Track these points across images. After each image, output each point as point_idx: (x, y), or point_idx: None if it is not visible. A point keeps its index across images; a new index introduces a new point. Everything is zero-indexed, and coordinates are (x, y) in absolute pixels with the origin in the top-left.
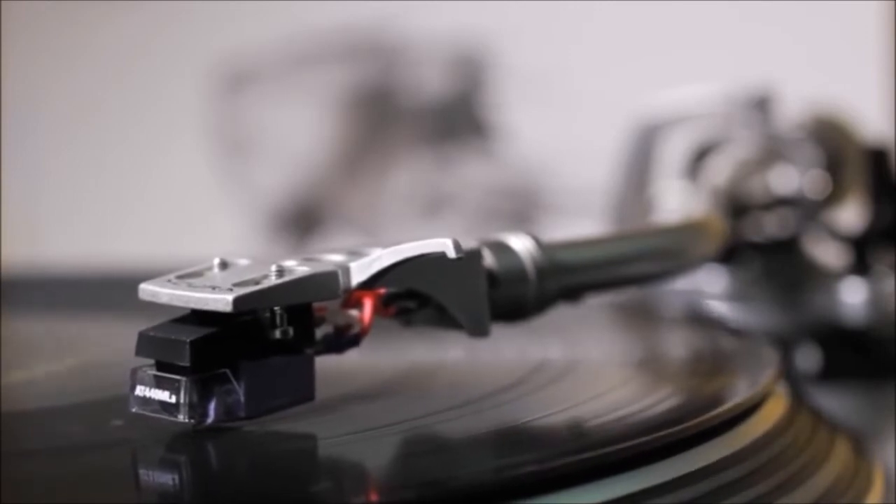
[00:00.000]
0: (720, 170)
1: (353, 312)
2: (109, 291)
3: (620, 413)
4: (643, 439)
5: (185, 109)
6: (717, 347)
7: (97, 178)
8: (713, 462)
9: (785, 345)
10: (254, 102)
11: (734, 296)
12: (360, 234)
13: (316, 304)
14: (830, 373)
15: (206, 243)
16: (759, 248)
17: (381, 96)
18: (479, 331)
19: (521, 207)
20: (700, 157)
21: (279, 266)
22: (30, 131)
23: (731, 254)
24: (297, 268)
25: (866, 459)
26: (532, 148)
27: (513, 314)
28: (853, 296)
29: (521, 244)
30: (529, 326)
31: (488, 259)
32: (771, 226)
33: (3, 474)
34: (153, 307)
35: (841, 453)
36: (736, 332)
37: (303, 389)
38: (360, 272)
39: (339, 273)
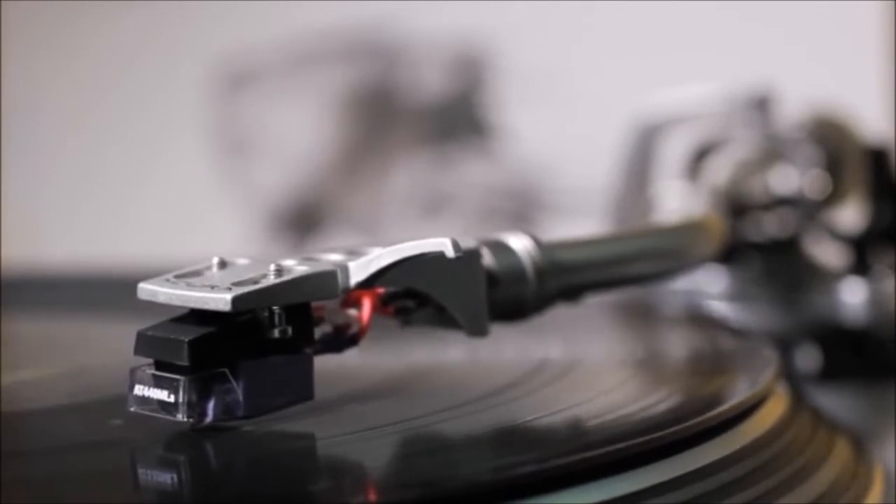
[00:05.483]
0: (720, 170)
1: (352, 312)
2: (109, 291)
3: (620, 413)
4: (643, 439)
5: (185, 109)
6: (717, 347)
7: (97, 178)
8: (713, 462)
9: (785, 345)
10: (254, 102)
11: (734, 296)
12: (360, 234)
13: (315, 304)
14: (830, 373)
15: (206, 243)
16: (759, 248)
17: (381, 96)
18: (478, 331)
19: (521, 207)
20: (700, 157)
21: (278, 265)
22: (30, 131)
23: (731, 254)
24: (296, 267)
25: (866, 459)
26: (532, 148)
27: (512, 314)
28: (853, 296)
29: (520, 244)
30: (529, 326)
31: (487, 259)
32: (771, 226)
33: (3, 474)
34: (152, 307)
35: (841, 453)
36: (736, 332)
37: (302, 389)
38: (358, 271)
39: (338, 272)
